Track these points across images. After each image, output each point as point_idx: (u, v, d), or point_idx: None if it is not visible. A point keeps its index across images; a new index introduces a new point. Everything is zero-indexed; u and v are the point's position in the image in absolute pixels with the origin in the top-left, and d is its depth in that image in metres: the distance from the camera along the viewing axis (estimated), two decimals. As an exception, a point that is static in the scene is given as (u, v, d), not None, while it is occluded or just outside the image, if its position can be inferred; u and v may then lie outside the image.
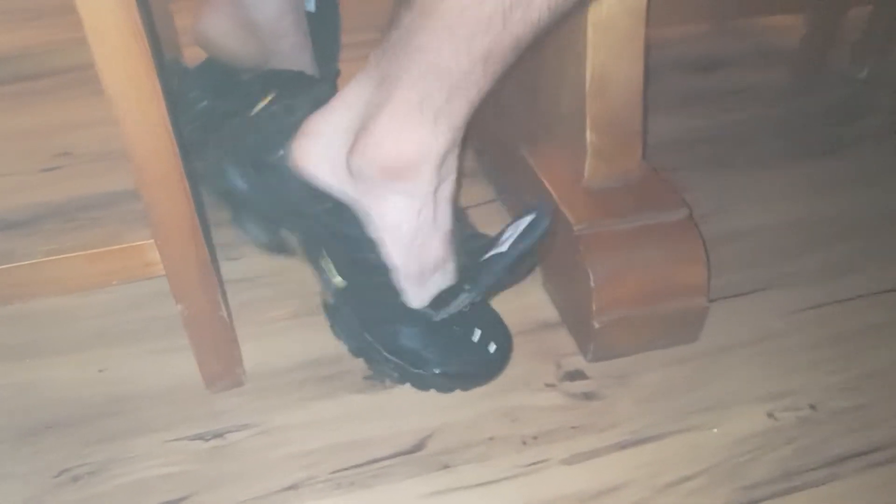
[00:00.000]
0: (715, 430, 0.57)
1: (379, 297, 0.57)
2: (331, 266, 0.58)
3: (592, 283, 0.59)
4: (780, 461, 0.55)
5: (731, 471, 0.54)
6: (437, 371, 0.58)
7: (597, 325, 0.59)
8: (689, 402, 0.59)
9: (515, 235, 0.54)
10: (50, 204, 0.80)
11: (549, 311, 0.67)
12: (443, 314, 0.57)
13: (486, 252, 0.56)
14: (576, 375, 0.61)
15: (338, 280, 0.58)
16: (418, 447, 0.55)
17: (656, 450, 0.55)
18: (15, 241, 0.74)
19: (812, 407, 0.58)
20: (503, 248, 0.54)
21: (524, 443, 0.56)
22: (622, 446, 0.55)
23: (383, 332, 0.58)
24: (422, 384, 0.59)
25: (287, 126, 0.58)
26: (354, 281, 0.58)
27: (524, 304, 0.67)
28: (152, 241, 0.49)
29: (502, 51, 0.47)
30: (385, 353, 0.58)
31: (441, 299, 0.56)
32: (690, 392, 0.60)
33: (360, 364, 0.61)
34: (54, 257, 0.49)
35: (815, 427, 0.57)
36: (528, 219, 0.55)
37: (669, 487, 0.53)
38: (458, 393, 0.59)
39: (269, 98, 0.64)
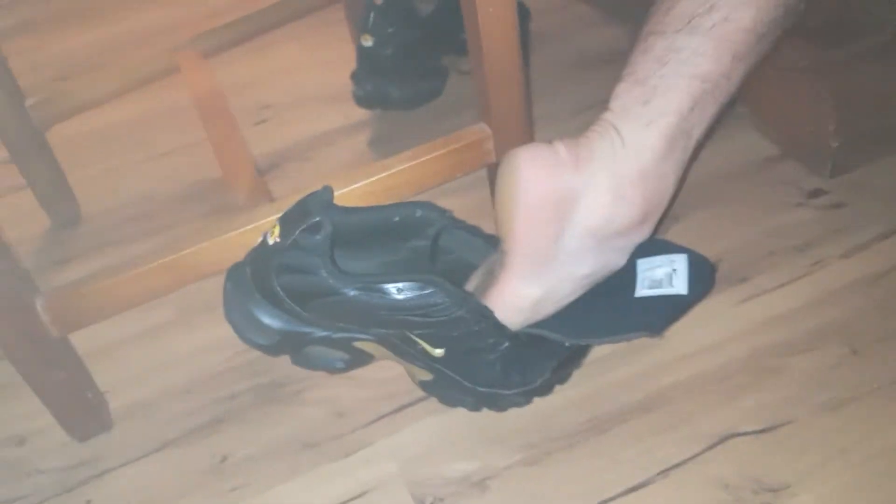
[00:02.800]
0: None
1: (480, 346, 0.55)
2: (424, 343, 0.54)
3: (830, 107, 0.67)
4: None
5: None
6: (550, 370, 0.57)
7: (835, 144, 0.68)
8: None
9: (681, 276, 0.55)
10: (279, 150, 0.90)
11: (769, 149, 0.76)
12: (592, 342, 0.58)
13: (622, 288, 0.56)
14: (817, 193, 0.71)
15: (438, 352, 0.55)
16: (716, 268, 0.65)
17: (918, 231, 0.65)
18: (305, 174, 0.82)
19: None
20: (676, 289, 0.55)
21: (800, 250, 0.66)
22: (885, 235, 0.65)
23: (494, 375, 0.56)
24: (545, 391, 0.58)
25: (317, 245, 0.51)
26: (453, 344, 0.54)
27: (743, 146, 0.76)
28: (490, 132, 0.59)
29: None
30: (503, 393, 0.57)
31: (598, 331, 0.56)
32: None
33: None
34: (413, 163, 0.58)
35: None
36: (679, 258, 0.56)
37: (940, 258, 0.63)
38: (726, 220, 0.69)
39: (277, 229, 0.53)
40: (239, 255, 0.55)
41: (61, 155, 0.85)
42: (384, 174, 0.58)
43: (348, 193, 0.58)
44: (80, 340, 0.62)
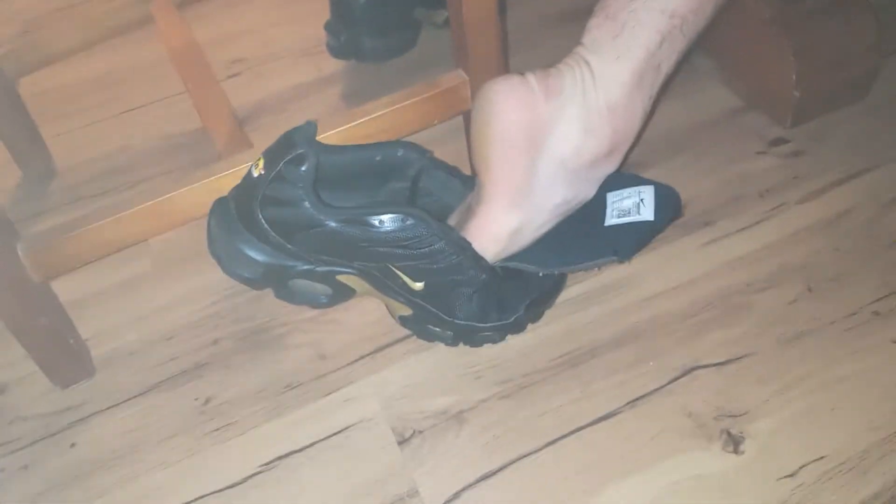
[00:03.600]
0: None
1: (459, 279, 0.56)
2: (404, 276, 0.55)
3: (792, 57, 0.70)
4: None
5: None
6: (523, 307, 0.59)
7: (797, 94, 0.71)
8: (890, 140, 0.71)
9: (648, 204, 0.57)
10: (252, 103, 0.90)
11: (733, 100, 0.78)
12: (565, 270, 0.59)
13: (594, 218, 0.58)
14: (779, 142, 0.73)
15: (418, 285, 0.56)
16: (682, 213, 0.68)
17: (872, 178, 0.68)
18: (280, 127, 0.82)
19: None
20: (643, 216, 0.57)
21: (761, 196, 0.69)
22: (841, 181, 0.68)
23: (471, 310, 0.58)
24: (518, 328, 0.60)
25: (301, 177, 0.51)
26: (432, 277, 0.55)
27: (709, 99, 0.79)
28: (467, 79, 0.60)
29: None
30: (480, 326, 0.59)
31: (569, 258, 0.58)
32: (888, 133, 0.72)
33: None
34: (391, 108, 0.59)
35: None
36: (646, 188, 0.58)
37: (894, 203, 0.66)
38: (692, 169, 0.71)
39: (261, 162, 0.53)
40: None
41: (34, 109, 0.84)
42: (362, 120, 0.59)
43: (326, 139, 0.59)
44: (60, 291, 0.63)
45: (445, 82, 0.60)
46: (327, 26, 0.89)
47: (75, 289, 0.69)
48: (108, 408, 0.62)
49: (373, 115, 0.59)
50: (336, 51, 0.90)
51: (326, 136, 0.59)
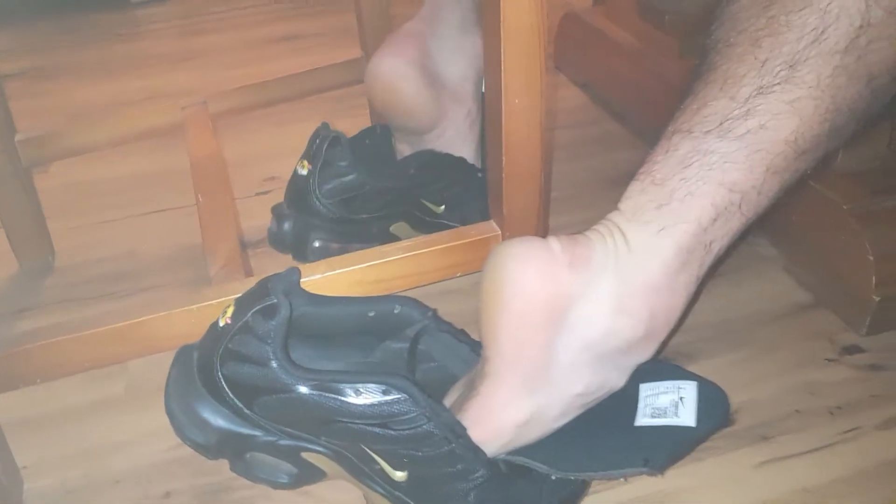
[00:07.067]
0: None
1: (451, 472, 0.47)
2: (383, 462, 0.47)
3: (871, 258, 0.61)
4: None
5: None
6: None
7: (877, 299, 0.62)
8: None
9: (689, 405, 0.49)
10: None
11: (801, 294, 0.70)
12: (582, 476, 0.50)
13: (622, 415, 0.49)
14: (853, 350, 0.63)
15: (399, 475, 0.47)
16: (731, 422, 0.58)
17: (966, 410, 0.57)
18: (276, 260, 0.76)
19: None
20: (682, 420, 0.49)
21: (831, 413, 0.58)
22: (930, 410, 0.58)
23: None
24: None
25: (269, 331, 0.44)
26: (418, 467, 0.46)
27: (773, 291, 0.70)
28: (499, 232, 0.53)
29: None
30: None
31: (589, 462, 0.48)
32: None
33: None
34: (411, 253, 0.52)
35: None
36: (688, 385, 0.51)
37: None
38: (747, 368, 0.62)
39: (231, 310, 0.46)
40: (196, 331, 0.48)
41: (48, 201, 0.80)
42: (377, 262, 0.51)
43: (335, 279, 0.52)
44: (12, 405, 0.55)
45: (474, 233, 0.53)
46: (274, 207, 0.74)
47: (32, 404, 0.61)
48: (21, 559, 0.52)
49: (388, 258, 0.52)
50: (273, 238, 0.73)
51: (334, 276, 0.51)
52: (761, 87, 0.45)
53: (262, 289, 0.45)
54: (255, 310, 0.44)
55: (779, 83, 0.45)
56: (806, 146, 0.46)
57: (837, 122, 0.46)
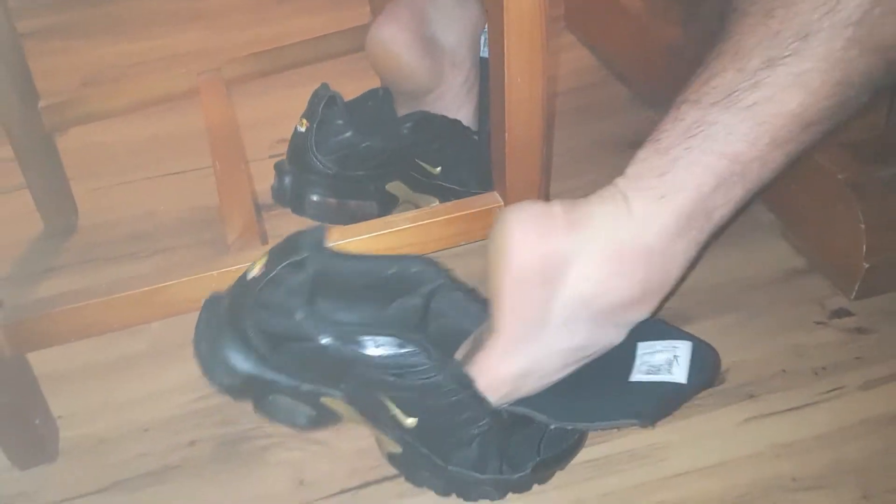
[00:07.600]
0: None
1: (457, 420, 0.50)
2: (396, 409, 0.50)
3: (863, 226, 0.64)
4: None
5: None
6: (531, 467, 0.52)
7: (867, 265, 0.64)
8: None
9: (682, 364, 0.52)
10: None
11: (796, 260, 0.72)
12: (577, 426, 0.53)
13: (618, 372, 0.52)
14: (841, 313, 0.66)
15: (410, 421, 0.50)
16: (720, 381, 0.61)
17: (946, 373, 0.60)
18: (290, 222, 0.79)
19: None
20: (675, 377, 0.52)
21: (816, 373, 0.61)
22: (911, 372, 0.61)
23: (469, 456, 0.51)
24: (522, 488, 0.53)
25: (297, 285, 0.48)
26: (427, 415, 0.50)
27: (769, 256, 0.72)
28: (502, 203, 0.55)
29: None
30: (477, 476, 0.52)
31: (585, 414, 0.52)
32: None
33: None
34: (416, 223, 0.55)
35: None
36: (683, 345, 0.53)
37: (971, 405, 0.58)
38: (740, 331, 0.65)
39: (262, 262, 0.50)
40: (214, 296, 0.52)
41: (69, 163, 0.83)
42: (382, 231, 0.54)
43: (344, 248, 0.55)
44: (42, 360, 0.59)
45: (478, 203, 0.55)
46: (277, 164, 0.77)
47: (60, 359, 0.65)
48: (62, 501, 0.56)
49: (395, 228, 0.54)
50: (275, 193, 0.77)
51: (344, 244, 0.54)
52: (770, 59, 0.46)
53: (293, 244, 0.49)
54: (284, 263, 0.47)
55: (789, 55, 0.46)
56: (812, 119, 0.47)
57: (847, 94, 0.47)
